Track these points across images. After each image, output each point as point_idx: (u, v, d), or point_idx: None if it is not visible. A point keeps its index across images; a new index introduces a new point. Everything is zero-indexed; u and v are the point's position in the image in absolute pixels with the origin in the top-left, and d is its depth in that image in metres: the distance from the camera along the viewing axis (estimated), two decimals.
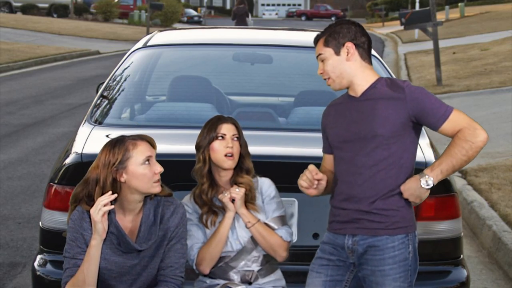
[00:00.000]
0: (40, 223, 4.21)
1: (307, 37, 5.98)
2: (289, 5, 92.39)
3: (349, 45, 3.47)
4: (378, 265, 3.42)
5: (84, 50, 28.13)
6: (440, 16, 28.89)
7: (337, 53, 3.47)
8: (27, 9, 48.13)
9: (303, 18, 79.21)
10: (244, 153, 3.79)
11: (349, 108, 3.49)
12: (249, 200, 3.74)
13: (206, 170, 3.74)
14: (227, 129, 3.76)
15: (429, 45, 21.35)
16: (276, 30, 6.61)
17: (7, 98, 15.18)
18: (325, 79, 3.53)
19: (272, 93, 5.82)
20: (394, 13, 59.53)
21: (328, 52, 3.48)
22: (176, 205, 3.58)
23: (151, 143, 3.51)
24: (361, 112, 3.44)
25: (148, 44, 5.42)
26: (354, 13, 79.22)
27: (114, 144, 3.47)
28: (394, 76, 5.00)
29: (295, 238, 3.88)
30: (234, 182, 3.75)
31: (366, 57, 3.51)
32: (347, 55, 3.47)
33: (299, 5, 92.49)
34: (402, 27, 18.88)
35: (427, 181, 3.36)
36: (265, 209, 3.79)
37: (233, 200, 3.71)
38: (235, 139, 3.77)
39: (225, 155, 3.71)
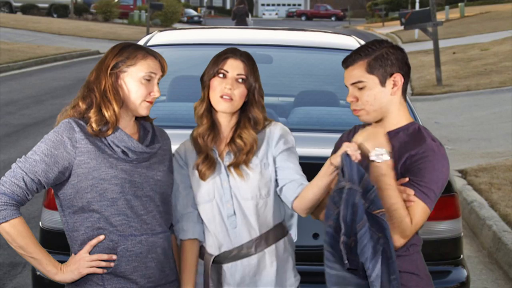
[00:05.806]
0: (40, 223, 4.22)
1: (307, 37, 5.99)
2: (289, 5, 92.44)
3: (398, 77, 2.92)
4: None
5: (84, 50, 28.14)
6: (440, 16, 28.87)
7: (383, 83, 2.91)
8: (27, 9, 48.16)
9: (303, 18, 79.28)
10: (252, 99, 3.18)
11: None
12: (241, 161, 3.12)
13: (204, 109, 3.20)
14: (232, 66, 3.15)
15: (429, 45, 21.36)
16: (276, 30, 6.60)
17: (7, 98, 15.17)
18: (354, 109, 2.95)
19: (272, 93, 5.81)
20: (394, 13, 59.56)
21: (372, 81, 2.90)
22: (161, 130, 3.27)
23: (163, 65, 3.08)
24: None
25: (148, 44, 5.42)
26: (354, 13, 79.18)
27: (124, 46, 3.09)
28: None
29: (295, 238, 3.87)
30: (237, 135, 3.14)
31: (405, 91, 2.99)
32: (393, 88, 2.92)
33: (299, 5, 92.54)
34: (402, 27, 18.90)
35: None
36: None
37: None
38: (240, 80, 3.15)
39: (221, 96, 3.13)
